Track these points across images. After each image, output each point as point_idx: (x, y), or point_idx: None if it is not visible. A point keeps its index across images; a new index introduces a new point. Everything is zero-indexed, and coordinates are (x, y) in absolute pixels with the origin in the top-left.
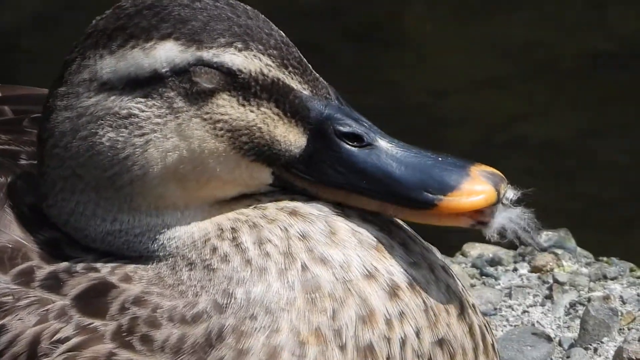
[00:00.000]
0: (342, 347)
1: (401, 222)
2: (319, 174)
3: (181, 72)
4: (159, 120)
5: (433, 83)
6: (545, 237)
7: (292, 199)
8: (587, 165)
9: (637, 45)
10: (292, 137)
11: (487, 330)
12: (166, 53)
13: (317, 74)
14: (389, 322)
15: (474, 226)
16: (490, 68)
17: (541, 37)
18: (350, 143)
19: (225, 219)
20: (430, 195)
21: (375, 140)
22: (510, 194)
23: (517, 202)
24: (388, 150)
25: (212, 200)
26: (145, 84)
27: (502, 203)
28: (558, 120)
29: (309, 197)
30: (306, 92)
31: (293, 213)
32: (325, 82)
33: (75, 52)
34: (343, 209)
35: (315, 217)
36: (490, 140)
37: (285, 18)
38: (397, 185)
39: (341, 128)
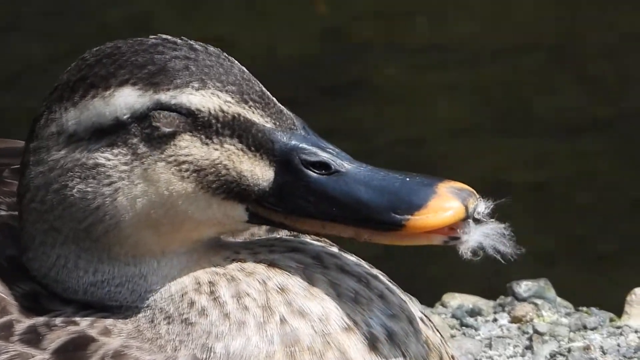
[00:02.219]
0: None
1: (379, 274)
2: (290, 206)
3: (142, 117)
4: (125, 167)
5: (411, 132)
6: (525, 287)
7: (270, 252)
8: (567, 213)
9: (621, 105)
10: (258, 171)
11: None
12: (125, 99)
13: (282, 107)
14: None
15: (447, 243)
16: (467, 116)
17: (517, 85)
18: (317, 171)
19: (202, 272)
20: (398, 216)
21: (342, 166)
22: (482, 207)
23: (490, 215)
24: (356, 176)
25: (189, 244)
26: (110, 132)
27: (473, 218)
28: (537, 169)
29: (286, 239)
30: (269, 125)
31: (271, 265)
32: (290, 114)
33: (43, 106)
34: (322, 261)
35: (294, 269)
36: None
37: (263, 72)
38: (365, 209)
39: (307, 157)
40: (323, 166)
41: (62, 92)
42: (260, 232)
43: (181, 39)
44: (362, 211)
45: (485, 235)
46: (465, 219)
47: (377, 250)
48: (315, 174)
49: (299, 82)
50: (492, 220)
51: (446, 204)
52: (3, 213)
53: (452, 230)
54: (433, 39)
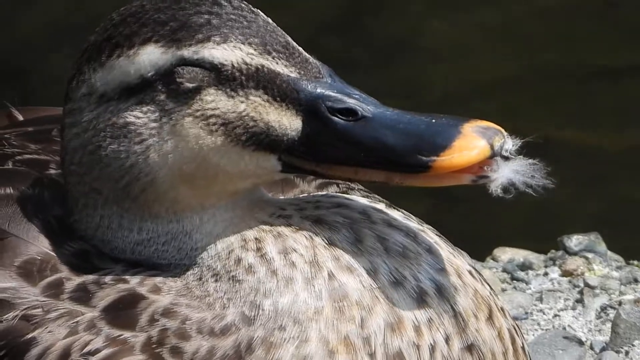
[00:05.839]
0: (372, 355)
1: (428, 228)
2: (319, 153)
3: (166, 74)
4: (154, 124)
5: (458, 87)
6: (576, 241)
7: (316, 207)
8: (616, 168)
9: None
10: (286, 121)
11: (516, 333)
12: (148, 57)
13: (308, 55)
14: (417, 329)
15: (476, 182)
16: (517, 72)
17: (564, 44)
18: (344, 118)
19: (248, 229)
20: (424, 158)
21: (369, 111)
22: (509, 144)
23: (519, 151)
24: (382, 120)
25: (227, 197)
26: (137, 90)
27: (501, 155)
28: (586, 123)
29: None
30: (293, 75)
31: (318, 221)
32: (317, 62)
33: (74, 68)
34: (369, 216)
35: (341, 224)
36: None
37: (310, 30)
38: (392, 153)
39: (333, 104)
40: (350, 112)
41: (90, 53)
42: (310, 189)
43: None
44: (389, 155)
45: (515, 172)
46: (492, 157)
47: (428, 205)
48: (342, 121)
49: (344, 41)
50: (521, 157)
51: (471, 143)
52: (52, 171)
53: (480, 169)
54: None
